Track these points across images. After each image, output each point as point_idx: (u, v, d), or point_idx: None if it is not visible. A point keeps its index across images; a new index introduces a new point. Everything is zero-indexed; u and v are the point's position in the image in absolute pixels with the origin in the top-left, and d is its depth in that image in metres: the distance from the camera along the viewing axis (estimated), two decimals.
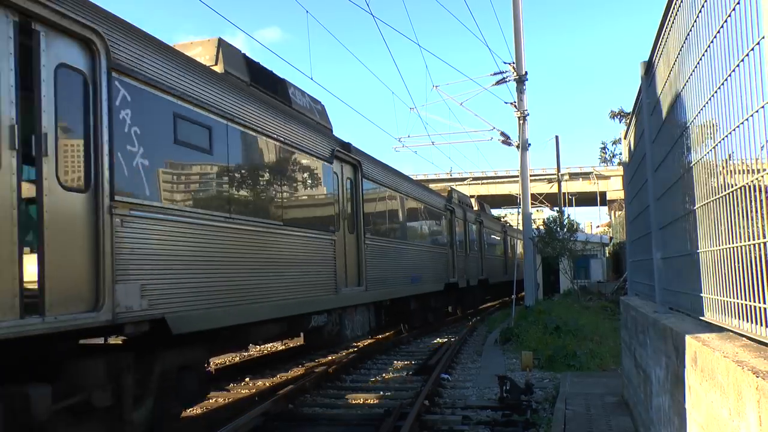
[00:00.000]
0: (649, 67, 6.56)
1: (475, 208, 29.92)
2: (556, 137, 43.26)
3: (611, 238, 41.37)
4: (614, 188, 68.20)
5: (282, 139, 10.60)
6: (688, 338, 4.26)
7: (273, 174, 10.23)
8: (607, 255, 36.40)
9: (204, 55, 10.19)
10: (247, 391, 12.37)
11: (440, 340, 19.49)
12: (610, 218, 67.69)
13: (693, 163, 4.58)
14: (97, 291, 6.28)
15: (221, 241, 8.53)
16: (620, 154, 24.63)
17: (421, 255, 19.05)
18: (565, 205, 52.44)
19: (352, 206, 13.87)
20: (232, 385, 13.11)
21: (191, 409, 9.85)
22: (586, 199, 77.74)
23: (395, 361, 15.82)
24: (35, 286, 5.70)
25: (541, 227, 29.36)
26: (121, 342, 7.54)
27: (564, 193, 52.76)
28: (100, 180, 6.44)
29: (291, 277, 10.51)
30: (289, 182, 10.83)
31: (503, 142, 27.09)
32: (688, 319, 5.15)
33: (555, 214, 31.26)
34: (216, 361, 15.89)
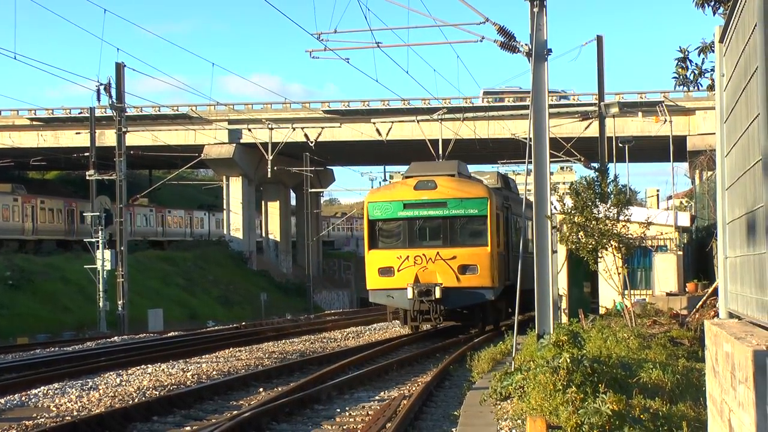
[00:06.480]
0: None
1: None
2: (598, 38, 30.47)
3: (694, 218, 29.92)
4: (701, 131, 49.53)
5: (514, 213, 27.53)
6: None
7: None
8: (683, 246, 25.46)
9: (491, 179, 27.35)
10: None
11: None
12: (693, 183, 48.68)
13: None
14: (508, 275, 24.62)
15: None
16: (713, 70, 14.31)
17: None
18: (611, 160, 38.19)
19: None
20: None
21: None
22: (650, 149, 54.62)
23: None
24: (504, 275, 25.87)
25: (568, 198, 18.45)
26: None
27: (610, 138, 36.55)
28: (511, 244, 26.50)
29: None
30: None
31: (502, 45, 16.90)
32: None
33: (593, 174, 20.32)
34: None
